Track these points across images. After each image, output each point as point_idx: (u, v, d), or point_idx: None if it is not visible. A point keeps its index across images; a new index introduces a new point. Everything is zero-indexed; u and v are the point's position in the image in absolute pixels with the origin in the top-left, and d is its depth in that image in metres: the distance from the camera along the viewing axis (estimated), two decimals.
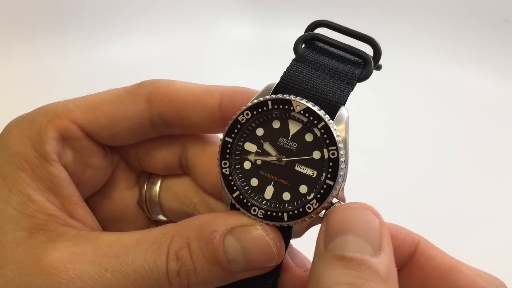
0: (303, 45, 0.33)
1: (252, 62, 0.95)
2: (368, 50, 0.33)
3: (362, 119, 0.88)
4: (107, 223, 0.37)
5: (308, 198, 0.29)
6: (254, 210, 0.29)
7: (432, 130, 0.89)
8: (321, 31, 0.34)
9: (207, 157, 0.35)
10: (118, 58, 0.94)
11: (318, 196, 0.28)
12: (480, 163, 0.83)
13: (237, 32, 1.04)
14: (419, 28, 1.01)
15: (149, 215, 0.38)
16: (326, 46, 0.33)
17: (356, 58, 0.33)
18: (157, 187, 0.38)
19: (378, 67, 0.34)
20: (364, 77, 0.32)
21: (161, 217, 0.38)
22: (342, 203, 0.29)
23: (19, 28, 0.90)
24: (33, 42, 0.90)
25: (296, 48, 0.33)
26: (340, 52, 0.33)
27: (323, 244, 0.26)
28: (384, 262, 0.25)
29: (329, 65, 0.32)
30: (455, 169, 0.82)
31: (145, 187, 0.38)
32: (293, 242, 0.33)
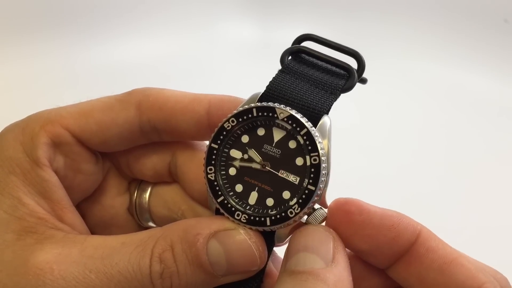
0: (290, 57, 0.34)
1: (252, 62, 0.95)
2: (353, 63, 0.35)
3: (362, 119, 0.89)
4: (98, 229, 0.38)
5: (291, 203, 0.29)
6: (238, 215, 0.30)
7: (432, 131, 0.89)
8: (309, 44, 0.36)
9: (195, 165, 0.36)
10: (119, 59, 0.95)
11: (300, 201, 0.29)
12: (479, 163, 0.83)
13: (237, 33, 1.05)
14: (419, 28, 1.01)
15: (139, 221, 0.39)
16: (311, 59, 0.34)
17: (340, 70, 0.34)
18: (147, 194, 0.38)
19: (363, 81, 0.35)
20: (348, 88, 0.33)
21: (151, 224, 0.39)
22: (324, 209, 0.30)
23: (19, 30, 0.92)
24: (33, 44, 0.91)
25: (282, 60, 0.34)
26: (325, 65, 0.34)
27: (283, 266, 0.28)
28: (335, 272, 0.26)
29: (314, 76, 0.33)
30: (454, 168, 0.82)
31: (135, 194, 0.38)
32: (277, 250, 0.34)
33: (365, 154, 0.82)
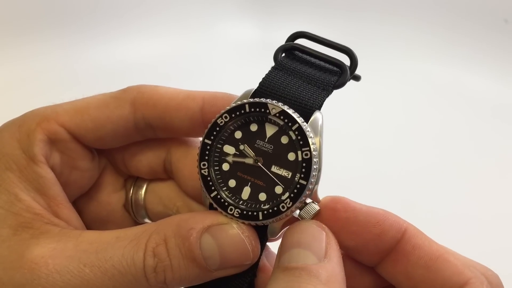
0: (283, 54, 0.35)
1: (252, 62, 0.95)
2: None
3: (363, 120, 0.89)
4: (94, 225, 0.38)
5: (283, 198, 0.30)
6: (231, 210, 0.30)
7: (432, 131, 0.89)
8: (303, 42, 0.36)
9: (189, 162, 0.36)
10: (119, 59, 0.95)
11: (292, 195, 0.29)
12: (479, 163, 0.84)
13: (237, 33, 1.05)
14: (418, 29, 1.02)
15: (135, 218, 0.39)
16: (305, 56, 0.35)
17: (333, 67, 0.34)
18: (142, 191, 0.39)
19: (357, 78, 0.36)
20: (340, 84, 0.33)
21: (147, 220, 0.39)
22: (316, 203, 0.30)
23: (19, 30, 0.92)
24: (33, 44, 0.92)
25: (276, 57, 0.34)
26: (318, 62, 0.34)
27: (277, 262, 0.29)
28: (327, 267, 0.27)
29: (306, 73, 0.33)
30: (454, 169, 0.82)
31: (131, 190, 0.39)
32: (271, 245, 0.34)
33: (360, 153, 0.82)
